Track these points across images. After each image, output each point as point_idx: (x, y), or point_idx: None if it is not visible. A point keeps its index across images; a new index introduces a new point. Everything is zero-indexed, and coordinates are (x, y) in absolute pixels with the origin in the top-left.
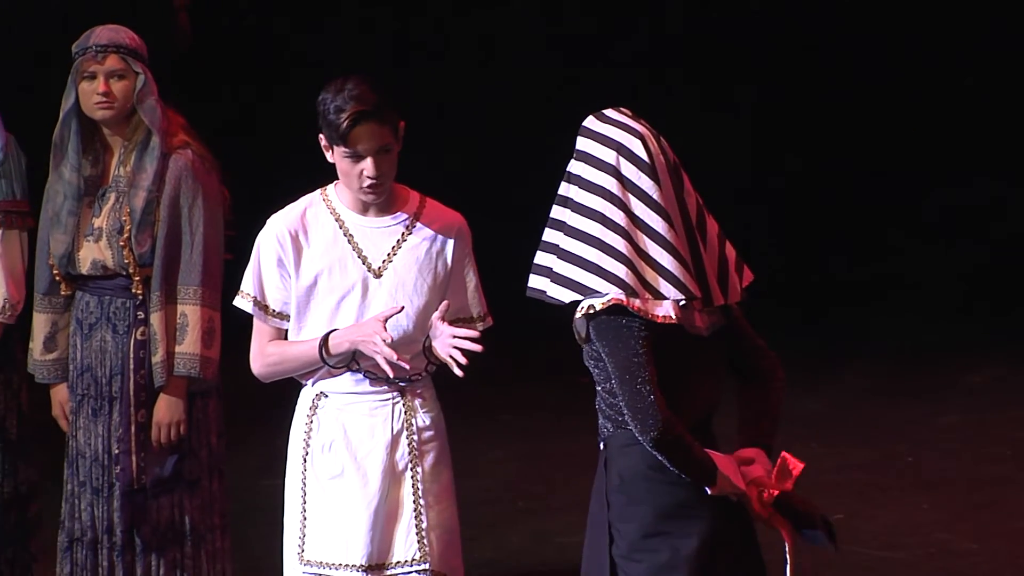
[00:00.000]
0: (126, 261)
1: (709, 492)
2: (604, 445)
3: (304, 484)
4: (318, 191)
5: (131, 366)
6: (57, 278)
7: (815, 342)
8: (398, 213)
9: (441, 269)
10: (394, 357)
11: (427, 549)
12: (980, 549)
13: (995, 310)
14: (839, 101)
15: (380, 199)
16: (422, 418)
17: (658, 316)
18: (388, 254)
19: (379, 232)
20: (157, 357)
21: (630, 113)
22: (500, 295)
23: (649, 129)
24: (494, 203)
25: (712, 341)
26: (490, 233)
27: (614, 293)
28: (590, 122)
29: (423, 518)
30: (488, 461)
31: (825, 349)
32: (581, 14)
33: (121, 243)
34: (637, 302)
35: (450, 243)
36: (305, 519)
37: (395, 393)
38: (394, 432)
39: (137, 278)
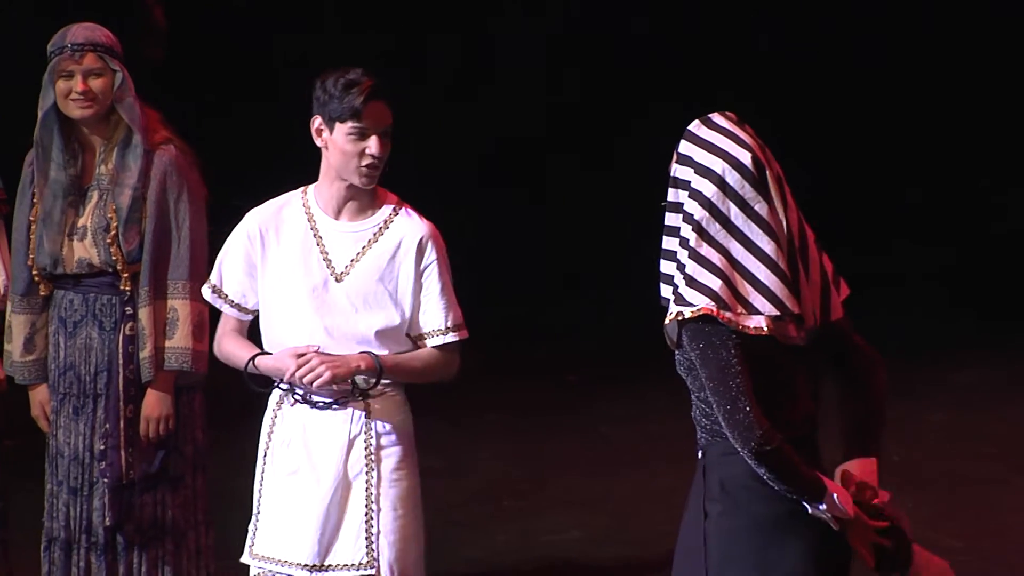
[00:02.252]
0: (114, 258)
1: (810, 511)
2: (702, 453)
3: (262, 479)
4: (299, 190)
5: (120, 361)
6: (36, 279)
7: None
8: (370, 218)
9: (403, 279)
10: (315, 383)
11: (374, 555)
12: (967, 547)
13: (983, 308)
14: (830, 97)
15: (372, 184)
16: (382, 422)
17: (749, 328)
18: (352, 259)
19: (347, 236)
20: (145, 352)
21: (735, 118)
22: (487, 294)
23: (755, 138)
24: (482, 206)
25: (810, 351)
26: (475, 237)
27: (703, 303)
28: (696, 127)
29: (374, 523)
30: (475, 460)
31: None
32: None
33: (108, 240)
34: (728, 314)
35: (412, 253)
36: (259, 513)
37: (358, 396)
38: (351, 435)
39: (125, 275)
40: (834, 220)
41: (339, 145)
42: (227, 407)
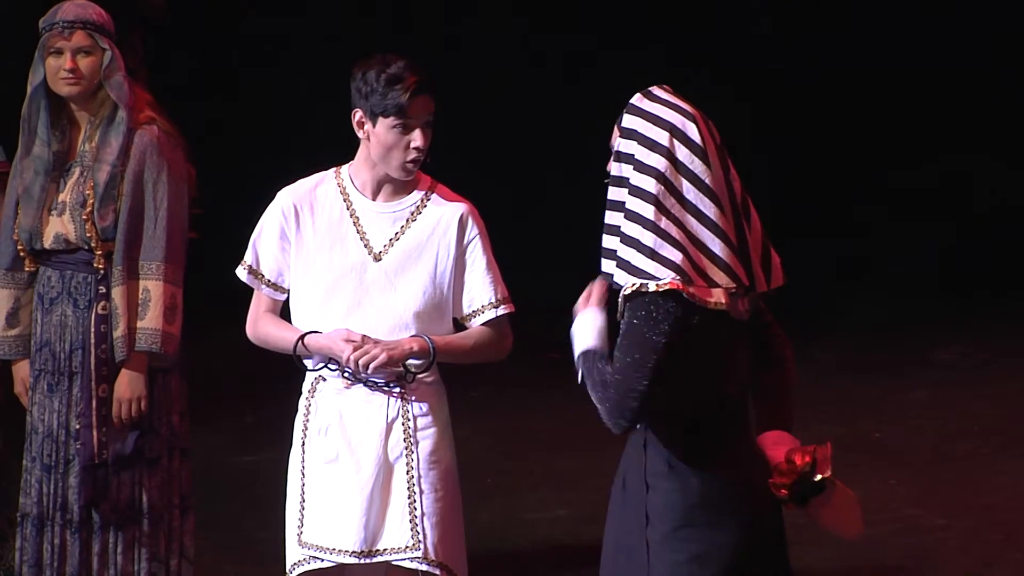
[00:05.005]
0: (88, 235)
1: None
2: (643, 426)
3: (303, 467)
4: (332, 170)
5: (92, 340)
6: (22, 253)
7: (783, 318)
8: (405, 198)
9: (443, 258)
10: (371, 365)
11: (420, 537)
12: (948, 525)
13: (963, 286)
14: (806, 78)
15: (412, 176)
16: (419, 405)
17: (709, 302)
18: (391, 239)
19: (384, 216)
20: (118, 332)
21: (672, 91)
22: None
23: (697, 109)
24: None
25: (749, 325)
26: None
27: (670, 278)
28: (639, 100)
29: (417, 506)
30: (457, 438)
31: (793, 325)
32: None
33: (84, 216)
34: (692, 288)
35: (452, 232)
36: (304, 502)
37: (410, 379)
38: (389, 419)
39: (99, 252)
40: (815, 200)
41: (382, 139)
42: (211, 390)
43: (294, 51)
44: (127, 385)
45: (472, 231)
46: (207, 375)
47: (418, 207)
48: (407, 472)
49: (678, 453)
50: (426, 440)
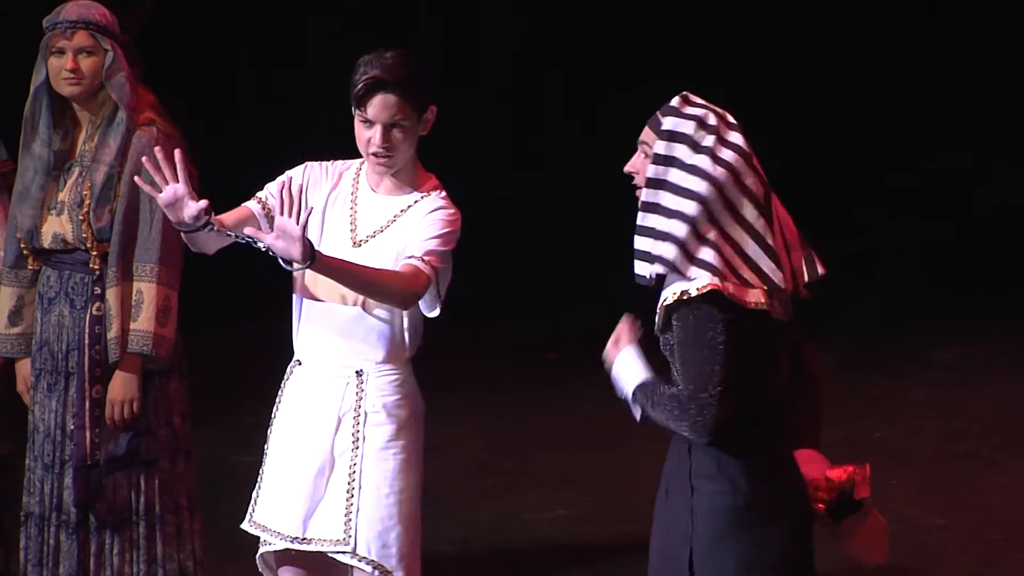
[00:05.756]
0: (84, 235)
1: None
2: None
3: (267, 448)
4: (360, 159)
5: (86, 341)
6: (25, 252)
7: None
8: (402, 196)
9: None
10: (284, 230)
11: (351, 532)
12: (948, 525)
13: (962, 286)
14: (804, 78)
15: (387, 172)
16: (373, 402)
17: (749, 302)
18: (376, 231)
19: (379, 209)
20: (111, 333)
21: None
22: (469, 272)
23: (728, 113)
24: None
25: (788, 328)
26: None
27: (707, 279)
28: (679, 104)
29: (353, 502)
30: (456, 438)
31: None
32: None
33: (80, 217)
34: (731, 287)
35: (416, 217)
36: (261, 482)
37: (353, 373)
38: (341, 412)
39: (95, 253)
40: (813, 200)
41: (355, 128)
42: (210, 390)
43: (294, 52)
44: (120, 387)
45: (435, 215)
46: (207, 375)
47: (410, 206)
48: (350, 467)
49: (727, 455)
50: (376, 438)
